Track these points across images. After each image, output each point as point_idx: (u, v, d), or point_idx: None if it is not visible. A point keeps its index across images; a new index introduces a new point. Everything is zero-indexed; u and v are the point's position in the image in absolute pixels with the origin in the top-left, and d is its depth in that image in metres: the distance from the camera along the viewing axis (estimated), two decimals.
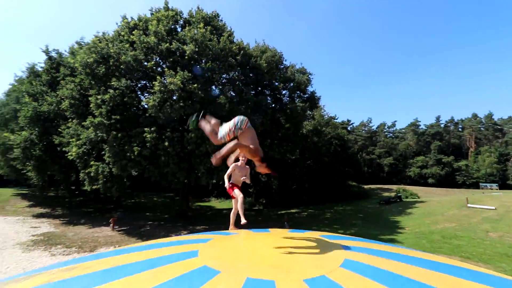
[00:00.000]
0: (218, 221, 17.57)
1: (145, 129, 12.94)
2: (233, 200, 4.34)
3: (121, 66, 13.69)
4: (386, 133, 67.22)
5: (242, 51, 15.12)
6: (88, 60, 13.54)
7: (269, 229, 4.28)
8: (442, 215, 18.58)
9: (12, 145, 20.27)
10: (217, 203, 28.53)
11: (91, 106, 13.60)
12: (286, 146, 19.44)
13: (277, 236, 3.11)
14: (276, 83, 18.39)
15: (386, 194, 32.50)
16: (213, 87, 16.18)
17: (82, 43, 22.36)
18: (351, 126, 62.07)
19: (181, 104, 12.47)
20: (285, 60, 19.64)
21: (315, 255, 2.31)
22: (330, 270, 1.89)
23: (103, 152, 13.83)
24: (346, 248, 2.49)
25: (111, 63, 13.61)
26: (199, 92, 12.34)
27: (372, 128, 67.13)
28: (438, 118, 64.38)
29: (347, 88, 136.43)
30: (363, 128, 66.38)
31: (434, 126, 62.82)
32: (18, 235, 12.66)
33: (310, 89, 21.02)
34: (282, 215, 20.11)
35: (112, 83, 13.18)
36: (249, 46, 17.40)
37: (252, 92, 15.62)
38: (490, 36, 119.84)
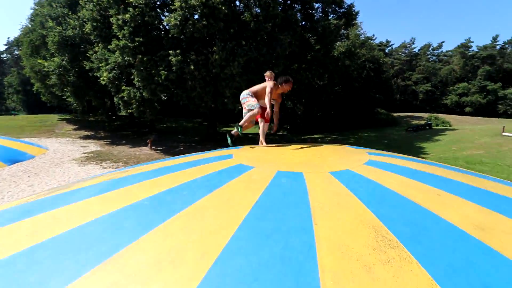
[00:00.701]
0: (245, 144, 18.61)
1: (170, 51, 12.71)
2: (260, 121, 4.19)
3: None
4: (430, 56, 60.00)
5: None
6: None
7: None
8: (472, 142, 17.97)
9: (48, 72, 21.22)
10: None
11: (113, 27, 13.27)
12: (315, 70, 18.41)
13: (304, 146, 3.33)
14: None
15: (416, 122, 31.30)
16: (237, 2, 14.70)
17: None
18: (390, 48, 55.84)
19: (204, 22, 11.72)
20: None
21: (341, 156, 2.50)
22: (355, 166, 2.06)
23: (132, 77, 14.16)
24: (371, 153, 2.63)
25: None
26: (223, 8, 11.35)
27: (414, 50, 59.89)
28: (495, 39, 55.11)
29: (390, 1, 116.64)
30: (404, 50, 59.48)
31: (488, 48, 54.37)
32: (72, 153, 14.54)
33: (347, 1, 18.36)
34: (305, 140, 20.67)
35: (131, 0, 12.42)
36: None
37: (280, 7, 14.02)
38: None
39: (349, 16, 18.99)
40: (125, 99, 14.32)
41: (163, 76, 12.58)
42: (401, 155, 2.93)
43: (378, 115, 30.04)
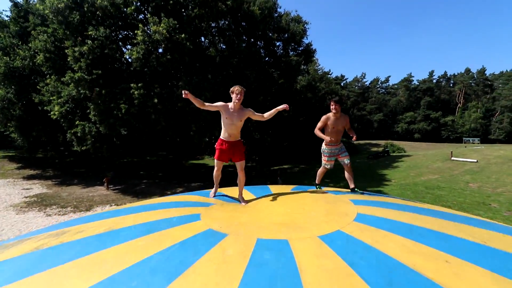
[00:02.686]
0: (212, 179, 17.87)
1: (131, 85, 12.14)
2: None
3: (98, 12, 12.25)
4: (379, 88, 66.72)
5: None
6: (59, 6, 11.98)
7: (269, 187, 4.20)
8: (427, 167, 19.42)
9: None
10: (210, 161, 28.81)
11: (69, 59, 12.45)
12: (280, 102, 18.98)
13: (279, 193, 3.01)
14: (270, 34, 17.15)
15: (374, 149, 33.44)
16: (202, 38, 14.97)
17: None
18: (345, 81, 61.03)
19: (169, 56, 11.54)
20: (279, 7, 18.09)
21: (325, 211, 2.21)
22: (344, 225, 1.78)
23: (88, 111, 13.13)
24: (356, 202, 2.39)
25: (85, 9, 12.12)
26: (188, 44, 11.35)
27: (366, 83, 66.25)
28: (431, 73, 63.72)
29: (342, 42, 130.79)
30: (357, 83, 65.44)
31: (426, 82, 62.43)
32: (11, 197, 12.55)
33: (305, 40, 19.85)
34: (275, 171, 20.58)
35: (90, 33, 11.91)
36: None
37: (244, 44, 14.54)
38: None
39: (308, 54, 20.46)
40: (79, 134, 13.07)
41: (123, 110, 11.82)
42: (384, 198, 2.75)
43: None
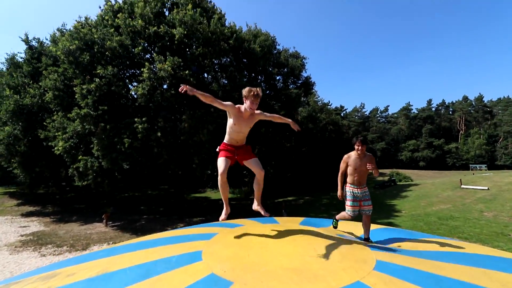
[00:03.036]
0: (214, 212, 17.32)
1: (136, 119, 12.33)
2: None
3: (107, 53, 12.88)
4: (379, 118, 67.59)
5: (234, 35, 14.41)
6: (70, 48, 12.66)
7: (276, 218, 3.94)
8: (437, 197, 18.78)
9: None
10: (212, 194, 28.27)
11: (76, 96, 12.83)
12: (281, 133, 19.09)
13: (288, 228, 2.76)
14: (270, 69, 17.80)
15: (380, 178, 32.83)
16: (205, 74, 15.53)
17: (64, 30, 21.06)
18: (344, 112, 62.09)
19: (172, 92, 11.86)
20: (278, 45, 19.01)
21: (340, 255, 1.96)
22: (364, 275, 1.54)
23: (91, 146, 13.20)
24: (373, 248, 2.15)
25: (95, 50, 12.78)
26: (191, 79, 11.72)
27: (365, 113, 67.34)
28: (429, 102, 64.96)
29: (340, 73, 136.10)
30: (356, 113, 66.51)
31: (425, 110, 63.38)
32: (6, 236, 12.11)
33: (304, 74, 20.55)
34: (279, 203, 19.99)
35: (98, 71, 12.41)
36: (242, 29, 16.66)
37: (245, 78, 15.03)
38: (482, 20, 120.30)
39: (307, 86, 21.06)
40: (81, 169, 12.99)
41: (126, 144, 11.86)
42: (403, 246, 2.50)
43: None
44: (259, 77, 17.94)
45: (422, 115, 62.35)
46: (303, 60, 20.17)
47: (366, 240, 3.05)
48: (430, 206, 16.56)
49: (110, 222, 14.18)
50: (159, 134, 12.41)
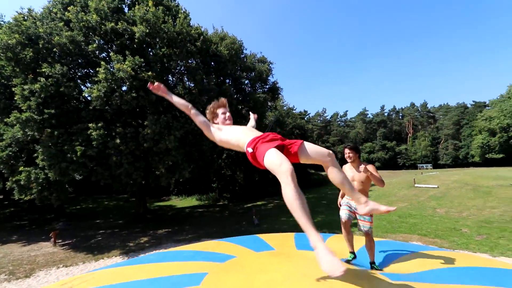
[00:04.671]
0: (181, 222, 16.34)
1: (90, 124, 11.04)
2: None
3: (54, 49, 11.38)
4: (339, 122, 71.43)
5: (201, 37, 13.82)
6: (9, 42, 10.90)
7: (266, 241, 3.60)
8: (395, 196, 20.13)
9: None
10: (178, 202, 26.88)
11: (16, 98, 11.08)
12: None
13: (288, 257, 2.43)
14: (238, 73, 17.52)
15: None
16: (169, 76, 14.65)
17: (2, 22, 18.33)
18: (308, 116, 64.33)
19: (133, 94, 10.87)
20: (245, 49, 18.84)
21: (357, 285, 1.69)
22: None
23: (35, 155, 11.50)
24: (392, 277, 1.92)
25: (40, 46, 11.19)
26: (155, 82, 10.87)
27: (327, 118, 70.64)
28: (382, 107, 70.59)
29: (302, 79, 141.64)
30: (319, 118, 69.45)
31: (379, 115, 68.67)
32: None
33: (271, 79, 20.65)
34: (248, 208, 19.66)
35: (43, 70, 10.86)
36: (207, 31, 16.12)
37: (213, 82, 14.51)
38: (428, 31, 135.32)
39: (274, 91, 21.22)
40: (22, 182, 11.20)
41: (79, 153, 10.52)
42: (402, 266, 2.33)
43: (310, 175, 31.96)
44: (227, 80, 17.54)
45: (377, 119, 67.47)
46: (270, 65, 20.29)
47: (371, 264, 2.80)
48: (390, 204, 17.45)
49: (60, 241, 12.46)
50: (118, 141, 11.26)
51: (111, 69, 11.17)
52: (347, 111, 78.39)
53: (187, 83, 15.12)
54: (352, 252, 3.00)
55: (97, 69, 10.92)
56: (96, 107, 11.40)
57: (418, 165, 55.37)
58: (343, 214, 3.02)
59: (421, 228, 12.24)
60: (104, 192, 29.51)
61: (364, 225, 2.97)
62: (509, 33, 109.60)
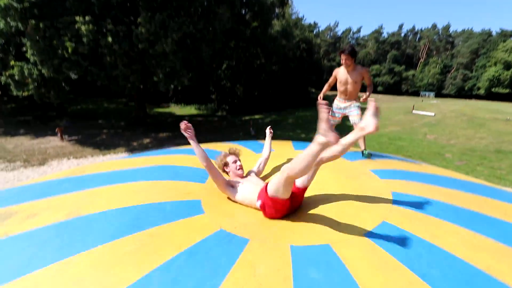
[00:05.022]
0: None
1: (76, 18, 9.96)
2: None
3: None
4: (350, 39, 65.67)
5: None
6: None
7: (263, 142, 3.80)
8: (390, 120, 20.54)
9: None
10: (177, 109, 27.24)
11: None
12: (253, 49, 17.58)
13: (288, 157, 2.61)
14: None
15: None
16: None
17: None
18: (317, 29, 58.61)
19: None
20: None
21: (353, 190, 1.86)
22: (387, 213, 1.47)
23: (24, 49, 10.80)
24: (379, 173, 2.11)
25: None
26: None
27: (338, 33, 64.50)
28: (400, 27, 63.72)
29: None
30: (329, 32, 63.39)
31: (395, 35, 62.69)
32: None
33: None
34: (246, 121, 20.19)
35: None
36: None
37: None
38: None
39: None
40: (17, 78, 10.91)
41: (69, 49, 9.87)
42: (398, 164, 2.53)
43: (311, 94, 31.58)
44: None
45: (391, 39, 61.94)
46: None
47: (363, 152, 3.31)
48: (383, 128, 18.17)
49: (66, 136, 13.16)
50: (109, 39, 10.40)
51: None
52: (361, 27, 71.12)
53: None
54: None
55: None
56: None
57: (421, 92, 54.29)
58: (333, 121, 3.34)
59: (407, 150, 12.97)
60: (102, 95, 29.39)
61: (356, 118, 3.40)
62: None
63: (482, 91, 49.10)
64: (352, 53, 3.05)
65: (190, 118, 22.15)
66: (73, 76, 11.25)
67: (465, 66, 54.43)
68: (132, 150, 11.21)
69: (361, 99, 3.29)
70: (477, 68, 52.70)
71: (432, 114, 20.35)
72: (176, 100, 28.42)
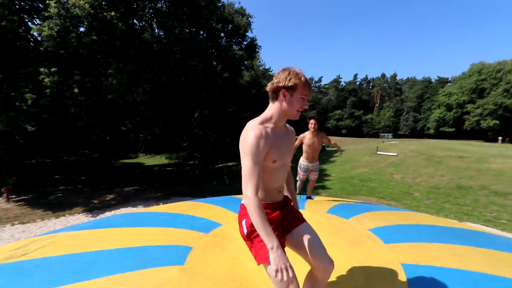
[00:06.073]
0: (150, 180, 15.98)
1: (41, 69, 9.59)
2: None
3: None
4: (313, 88, 71.72)
5: None
6: None
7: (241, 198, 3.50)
8: (358, 161, 21.49)
9: None
10: (146, 159, 26.07)
11: None
12: (225, 97, 18.14)
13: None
14: (214, 24, 16.07)
15: None
16: (135, 20, 12.93)
17: None
18: None
19: (94, 37, 9.45)
20: None
21: (358, 261, 1.62)
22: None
23: None
24: (384, 238, 1.90)
25: None
26: (119, 24, 9.47)
27: None
28: (355, 76, 71.77)
29: (280, 39, 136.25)
30: None
31: (351, 83, 70.03)
32: None
33: (249, 35, 19.37)
34: (219, 169, 19.75)
35: None
36: None
37: (186, 29, 13.14)
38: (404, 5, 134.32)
39: (252, 49, 20.08)
40: None
41: (29, 101, 9.24)
42: (404, 220, 2.36)
43: None
44: (202, 32, 16.07)
45: (349, 87, 68.92)
46: (249, 18, 18.84)
47: (308, 198, 4.23)
48: (353, 169, 18.85)
49: (13, 196, 11.54)
50: (76, 90, 10.02)
51: (66, 4, 9.43)
52: (321, 77, 78.66)
53: (156, 30, 13.53)
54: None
55: (47, 1, 9.15)
56: (48, 49, 9.81)
57: (380, 134, 59.15)
58: (301, 179, 4.41)
59: (379, 192, 13.31)
60: (62, 147, 27.42)
61: (315, 177, 4.39)
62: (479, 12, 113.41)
63: (432, 131, 54.82)
64: (319, 120, 4.01)
65: (160, 168, 21.16)
66: (30, 128, 10.37)
67: (414, 109, 61.34)
68: (91, 209, 10.03)
69: (338, 152, 4.53)
70: (424, 111, 59.60)
71: (395, 154, 21.77)
72: (145, 149, 27.42)
